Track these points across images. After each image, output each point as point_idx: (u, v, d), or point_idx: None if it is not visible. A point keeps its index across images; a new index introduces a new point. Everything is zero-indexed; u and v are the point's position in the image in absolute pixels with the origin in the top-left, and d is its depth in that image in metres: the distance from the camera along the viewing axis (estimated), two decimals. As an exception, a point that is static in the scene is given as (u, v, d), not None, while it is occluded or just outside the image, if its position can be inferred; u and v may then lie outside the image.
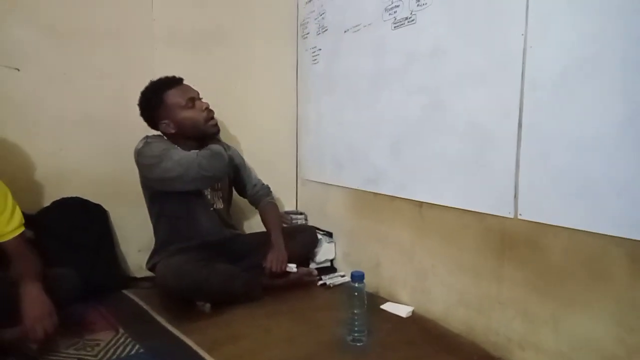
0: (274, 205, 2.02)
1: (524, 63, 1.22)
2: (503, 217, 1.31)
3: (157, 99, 1.72)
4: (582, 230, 1.11)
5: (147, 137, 1.73)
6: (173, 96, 1.71)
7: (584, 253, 1.12)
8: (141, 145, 1.70)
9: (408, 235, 1.68)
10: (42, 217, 1.78)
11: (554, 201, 1.17)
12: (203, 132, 1.76)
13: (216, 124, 1.79)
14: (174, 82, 1.74)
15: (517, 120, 1.24)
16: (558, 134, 1.15)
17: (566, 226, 1.15)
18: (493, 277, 1.36)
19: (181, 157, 1.64)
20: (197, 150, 1.68)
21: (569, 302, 1.16)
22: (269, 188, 2.05)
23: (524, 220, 1.25)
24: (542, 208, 1.20)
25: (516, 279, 1.29)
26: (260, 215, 2.00)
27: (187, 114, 1.72)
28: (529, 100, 1.22)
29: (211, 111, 1.77)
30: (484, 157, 1.35)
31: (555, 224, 1.17)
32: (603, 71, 1.06)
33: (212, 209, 1.84)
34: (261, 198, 2.00)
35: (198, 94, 1.77)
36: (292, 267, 1.81)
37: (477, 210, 1.39)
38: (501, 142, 1.29)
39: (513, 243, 1.30)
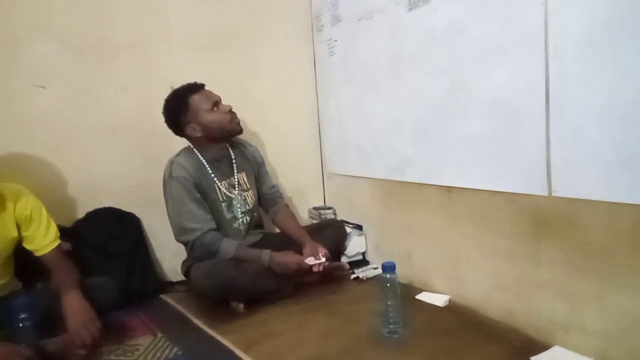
0: (291, 210, 2.04)
1: (546, 31, 1.16)
2: (536, 195, 1.25)
3: (182, 104, 1.75)
4: (624, 204, 1.05)
5: (172, 163, 1.75)
6: (198, 100, 1.75)
7: (627, 227, 1.06)
8: (167, 175, 1.74)
9: (438, 221, 1.64)
10: (78, 229, 1.83)
11: (592, 175, 1.11)
12: (229, 133, 1.81)
13: (239, 123, 1.82)
14: (196, 87, 1.78)
15: (543, 93, 1.19)
16: (590, 104, 1.09)
17: (606, 200, 1.09)
18: (530, 259, 1.31)
19: (190, 231, 1.69)
20: (200, 232, 1.69)
21: (614, 279, 1.10)
22: (281, 193, 2.07)
23: (559, 197, 1.19)
24: (578, 183, 1.14)
25: (554, 259, 1.24)
26: (280, 218, 1.98)
27: (213, 116, 1.75)
28: (555, 71, 1.16)
29: (234, 113, 1.81)
30: (512, 134, 1.30)
31: (593, 199, 1.11)
32: (633, 31, 0.99)
33: (236, 224, 1.85)
34: (277, 200, 2.01)
35: (220, 98, 1.81)
36: (311, 260, 1.75)
37: (508, 191, 1.34)
38: (529, 118, 1.24)
39: (549, 222, 1.24)
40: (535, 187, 1.25)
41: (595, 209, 1.12)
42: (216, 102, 1.77)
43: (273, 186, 2.02)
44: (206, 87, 1.81)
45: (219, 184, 1.81)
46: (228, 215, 1.83)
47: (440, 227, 1.63)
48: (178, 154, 1.79)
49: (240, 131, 1.84)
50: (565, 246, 1.21)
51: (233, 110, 1.81)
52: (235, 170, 1.87)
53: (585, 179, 1.12)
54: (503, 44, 1.29)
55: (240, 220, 1.86)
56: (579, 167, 1.13)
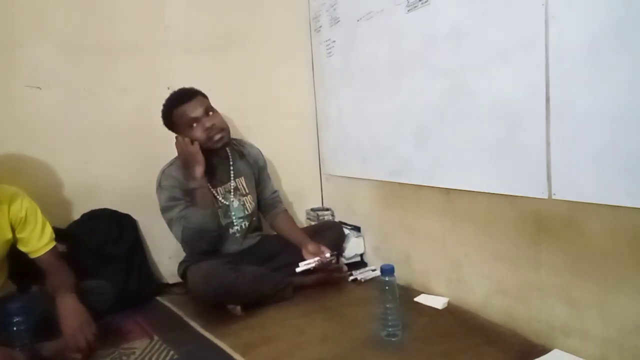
0: (289, 215, 2.03)
1: (546, 35, 1.15)
2: (536, 198, 1.24)
3: (167, 116, 1.76)
4: (625, 207, 1.04)
5: (163, 172, 1.75)
6: (179, 116, 1.71)
7: (630, 231, 1.05)
8: (157, 184, 1.75)
9: (438, 224, 1.63)
10: (73, 231, 1.80)
11: (594, 178, 1.10)
12: (207, 149, 1.73)
13: (219, 139, 1.73)
14: (184, 98, 1.72)
15: (544, 96, 1.18)
16: (590, 108, 1.08)
17: (608, 204, 1.08)
18: (530, 263, 1.30)
19: (183, 230, 1.68)
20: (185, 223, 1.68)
21: (615, 284, 1.10)
22: (281, 199, 2.05)
23: (560, 200, 1.18)
24: (579, 186, 1.14)
25: (555, 263, 1.23)
26: (279, 222, 1.97)
27: (192, 133, 1.70)
28: (555, 75, 1.15)
29: (215, 128, 1.71)
30: (513, 137, 1.29)
31: (595, 202, 1.11)
32: (633, 36, 0.98)
33: (233, 230, 1.85)
34: (277, 204, 1.99)
35: (206, 110, 1.72)
36: (311, 263, 1.74)
37: (508, 193, 1.33)
38: (529, 121, 1.23)
39: (549, 225, 1.23)
40: (536, 190, 1.24)
41: (596, 213, 1.11)
42: (196, 119, 1.69)
43: (274, 192, 2.00)
44: (201, 93, 1.76)
45: (214, 191, 1.79)
46: (224, 222, 1.81)
47: (440, 230, 1.63)
48: (171, 164, 1.77)
49: (221, 147, 1.76)
50: (566, 249, 1.20)
51: (217, 124, 1.72)
52: (232, 176, 1.85)
53: (586, 182, 1.12)
54: (504, 46, 1.28)
55: (238, 226, 1.85)
56: (580, 170, 1.13)
